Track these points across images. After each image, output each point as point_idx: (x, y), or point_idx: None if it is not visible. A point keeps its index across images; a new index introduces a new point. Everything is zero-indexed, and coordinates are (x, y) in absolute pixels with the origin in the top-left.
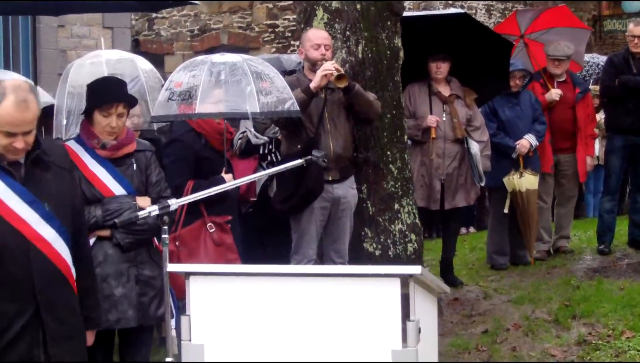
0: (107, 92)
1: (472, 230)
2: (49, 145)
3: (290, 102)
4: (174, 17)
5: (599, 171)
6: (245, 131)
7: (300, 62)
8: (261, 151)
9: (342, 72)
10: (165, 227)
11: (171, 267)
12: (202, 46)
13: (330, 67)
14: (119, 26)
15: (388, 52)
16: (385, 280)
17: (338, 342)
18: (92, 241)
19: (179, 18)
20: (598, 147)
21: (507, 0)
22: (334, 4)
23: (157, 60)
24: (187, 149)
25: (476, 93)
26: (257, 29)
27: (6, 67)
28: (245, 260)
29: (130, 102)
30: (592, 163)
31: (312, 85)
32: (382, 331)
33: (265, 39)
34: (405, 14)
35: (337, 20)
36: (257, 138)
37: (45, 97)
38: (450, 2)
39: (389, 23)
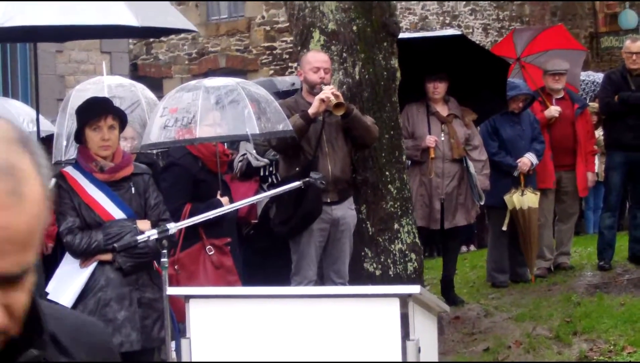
0: (94, 108)
1: (472, 248)
2: (72, 322)
3: (284, 123)
4: (172, 41)
5: (598, 187)
6: (245, 154)
7: (294, 83)
8: (262, 173)
9: (341, 100)
10: (165, 251)
11: (171, 290)
12: (200, 69)
13: (328, 93)
14: (117, 51)
15: (385, 73)
16: (385, 300)
17: (338, 362)
18: (93, 266)
19: (176, 42)
20: (597, 163)
21: (503, 20)
22: (330, 26)
23: (156, 84)
24: (185, 173)
25: (474, 112)
26: (254, 52)
27: (5, 93)
28: (247, 281)
29: (120, 115)
30: (594, 179)
31: (311, 111)
32: (382, 351)
33: (263, 61)
34: (402, 35)
35: (333, 42)
36: (258, 160)
37: (47, 126)
38: (447, 21)
39: (385, 44)
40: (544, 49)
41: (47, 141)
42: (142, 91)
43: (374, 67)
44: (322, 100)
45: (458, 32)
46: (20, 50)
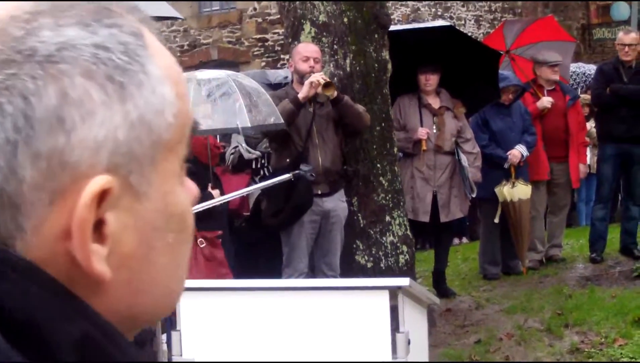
0: None
1: (465, 240)
2: None
3: (275, 116)
4: (164, 33)
5: (591, 179)
6: (237, 146)
7: (286, 76)
8: (253, 166)
9: (329, 80)
10: None
11: None
12: (192, 61)
13: (317, 76)
14: None
15: (376, 65)
16: (374, 292)
17: (328, 354)
18: None
19: (168, 34)
20: (590, 155)
21: (495, 11)
22: (321, 18)
23: None
24: None
25: (465, 102)
26: (246, 44)
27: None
28: (238, 273)
29: None
30: (586, 171)
31: (300, 95)
32: (372, 343)
33: (255, 53)
34: (394, 27)
35: (324, 34)
36: (250, 152)
37: None
38: (439, 13)
39: (376, 36)
40: (532, 41)
41: None
42: None
43: (364, 59)
44: (312, 83)
45: (447, 24)
46: None
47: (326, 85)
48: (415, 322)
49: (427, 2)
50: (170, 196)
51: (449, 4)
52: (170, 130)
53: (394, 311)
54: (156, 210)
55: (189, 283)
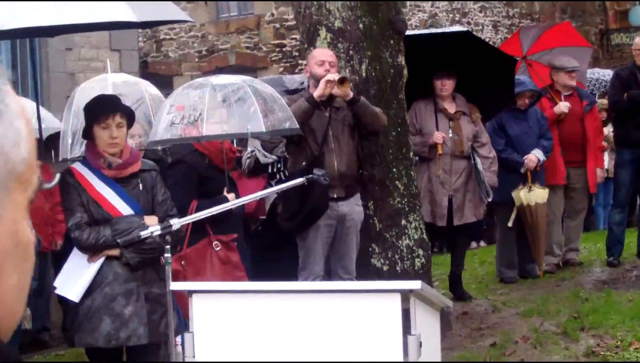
0: (102, 106)
1: (482, 244)
2: None
3: (291, 121)
4: (182, 39)
5: (608, 183)
6: (253, 150)
7: (302, 82)
8: (270, 170)
9: (344, 75)
10: (169, 246)
11: (174, 285)
12: (209, 67)
13: (334, 75)
14: (126, 48)
15: (392, 70)
16: (386, 295)
17: (340, 356)
18: (101, 260)
19: (186, 39)
20: (607, 160)
21: (513, 17)
22: (337, 24)
23: (166, 81)
24: (191, 170)
25: (482, 108)
26: (264, 49)
27: (14, 91)
28: (255, 277)
29: (128, 113)
30: (603, 175)
31: (316, 94)
32: (384, 346)
33: (273, 58)
34: (410, 32)
35: (340, 39)
36: (266, 156)
37: (55, 124)
38: (457, 18)
39: (392, 42)
40: (549, 47)
41: (55, 139)
42: (147, 87)
43: (380, 64)
44: (328, 81)
45: (464, 29)
46: (29, 49)
47: (341, 81)
48: (427, 325)
49: (445, 8)
50: (19, 225)
51: (466, 9)
52: (23, 164)
53: (406, 314)
54: (7, 234)
55: (203, 285)
